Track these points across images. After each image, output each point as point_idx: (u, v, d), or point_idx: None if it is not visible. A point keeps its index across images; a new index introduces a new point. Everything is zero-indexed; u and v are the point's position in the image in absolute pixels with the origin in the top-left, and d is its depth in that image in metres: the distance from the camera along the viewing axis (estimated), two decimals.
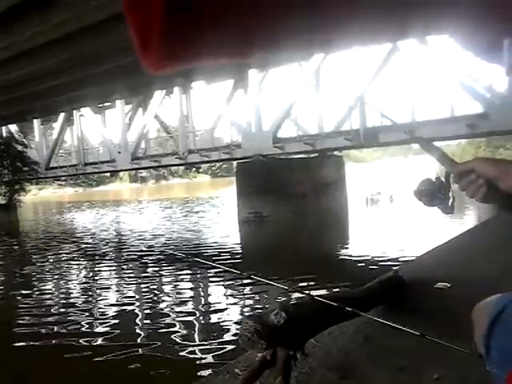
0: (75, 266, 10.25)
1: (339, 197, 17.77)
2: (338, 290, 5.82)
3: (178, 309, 6.25)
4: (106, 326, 5.63)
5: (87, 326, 5.69)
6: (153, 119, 24.03)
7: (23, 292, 7.92)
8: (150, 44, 0.29)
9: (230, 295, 6.83)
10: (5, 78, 12.84)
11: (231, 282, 7.33)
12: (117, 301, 6.92)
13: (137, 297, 7.22)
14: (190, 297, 7.09)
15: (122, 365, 4.39)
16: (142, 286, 7.96)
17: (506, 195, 0.83)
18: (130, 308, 6.43)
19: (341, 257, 9.69)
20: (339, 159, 19.14)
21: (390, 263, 7.50)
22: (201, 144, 21.48)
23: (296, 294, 6.35)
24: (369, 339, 1.89)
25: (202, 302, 6.86)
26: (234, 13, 0.29)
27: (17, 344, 5.20)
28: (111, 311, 6.35)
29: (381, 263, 8.00)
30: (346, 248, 10.78)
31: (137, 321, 5.91)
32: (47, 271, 9.92)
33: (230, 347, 4.48)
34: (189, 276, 8.28)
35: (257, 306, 6.19)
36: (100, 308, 6.55)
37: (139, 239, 13.79)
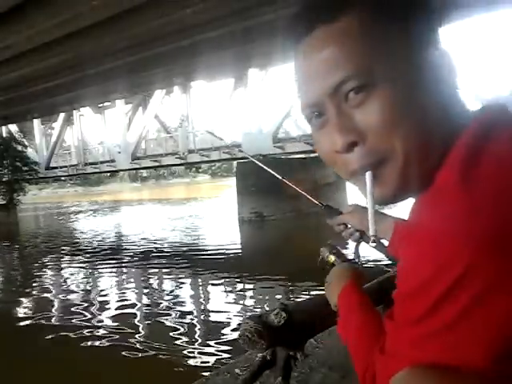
0: (75, 266, 10.24)
1: (339, 197, 17.75)
2: None
3: (178, 308, 6.25)
4: (106, 326, 5.64)
5: (87, 325, 5.69)
6: (153, 119, 24.01)
7: (22, 293, 7.93)
8: None
9: (231, 293, 6.83)
10: (5, 77, 12.83)
11: (231, 281, 7.33)
12: (116, 301, 6.91)
13: (137, 297, 7.22)
14: (190, 295, 7.09)
15: (122, 364, 4.39)
16: (142, 285, 7.96)
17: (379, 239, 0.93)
18: (129, 308, 6.43)
19: None
20: None
21: (389, 263, 7.49)
22: (201, 144, 21.46)
23: (296, 294, 6.36)
24: None
25: (202, 302, 6.86)
26: None
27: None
28: (111, 311, 6.35)
29: (381, 263, 7.99)
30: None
31: (137, 320, 5.91)
32: (47, 271, 9.91)
33: (229, 348, 4.49)
34: (189, 275, 8.28)
35: (257, 306, 6.19)
36: (100, 308, 6.54)
37: (138, 240, 13.78)
